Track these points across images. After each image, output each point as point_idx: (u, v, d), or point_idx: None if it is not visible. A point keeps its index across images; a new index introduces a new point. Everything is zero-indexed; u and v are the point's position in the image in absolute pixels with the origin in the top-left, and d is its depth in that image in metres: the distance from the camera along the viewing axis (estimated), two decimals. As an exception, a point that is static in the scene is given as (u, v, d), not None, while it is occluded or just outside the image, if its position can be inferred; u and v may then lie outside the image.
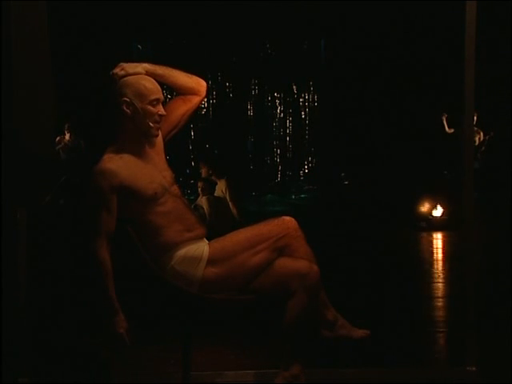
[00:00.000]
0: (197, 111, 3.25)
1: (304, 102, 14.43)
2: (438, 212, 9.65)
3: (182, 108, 3.09)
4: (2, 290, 3.32)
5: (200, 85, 3.10)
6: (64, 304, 3.90)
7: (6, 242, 3.33)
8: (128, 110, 2.89)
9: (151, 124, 2.92)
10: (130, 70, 2.94)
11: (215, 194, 7.83)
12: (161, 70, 3.01)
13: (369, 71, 12.37)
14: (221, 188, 7.97)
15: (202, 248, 2.95)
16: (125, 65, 2.95)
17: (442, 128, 10.99)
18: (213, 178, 8.00)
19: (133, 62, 2.99)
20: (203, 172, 8.29)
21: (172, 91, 3.17)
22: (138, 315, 3.02)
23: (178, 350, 3.18)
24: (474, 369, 3.40)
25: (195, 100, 3.10)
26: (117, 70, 2.94)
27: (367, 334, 3.09)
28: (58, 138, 9.97)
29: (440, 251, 8.07)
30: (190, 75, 3.08)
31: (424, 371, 3.54)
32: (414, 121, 11.71)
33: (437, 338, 4.40)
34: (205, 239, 3.01)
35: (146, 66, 2.98)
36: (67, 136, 10.39)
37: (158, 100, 2.92)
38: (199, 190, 7.78)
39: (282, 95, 14.46)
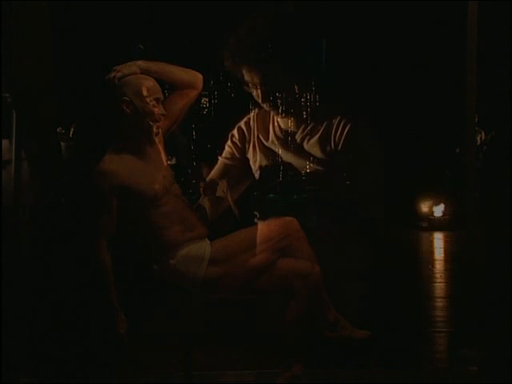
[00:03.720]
0: (198, 111, 3.26)
1: (306, 102, 14.44)
2: (439, 212, 9.63)
3: (180, 103, 3.08)
4: (3, 290, 3.31)
5: (196, 78, 3.09)
6: (64, 304, 3.90)
7: (7, 241, 3.33)
8: (128, 110, 2.89)
9: (151, 123, 2.91)
10: (126, 71, 2.92)
11: (217, 195, 7.81)
12: (155, 66, 3.00)
13: (369, 71, 12.37)
14: (222, 188, 7.95)
15: (204, 248, 2.95)
16: (119, 67, 2.94)
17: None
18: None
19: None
20: (204, 172, 8.27)
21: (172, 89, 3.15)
22: (138, 315, 3.01)
23: (179, 350, 3.18)
24: (475, 369, 3.39)
25: (192, 94, 3.10)
26: (113, 74, 2.92)
27: (368, 334, 3.09)
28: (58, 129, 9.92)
29: (441, 251, 8.05)
30: (185, 69, 3.08)
31: (424, 371, 3.53)
32: (415, 120, 11.70)
33: (437, 338, 4.39)
34: (207, 239, 3.01)
35: (140, 63, 2.96)
36: (71, 135, 10.36)
37: (157, 99, 2.92)
38: (201, 190, 7.76)
39: (283, 95, 14.45)
